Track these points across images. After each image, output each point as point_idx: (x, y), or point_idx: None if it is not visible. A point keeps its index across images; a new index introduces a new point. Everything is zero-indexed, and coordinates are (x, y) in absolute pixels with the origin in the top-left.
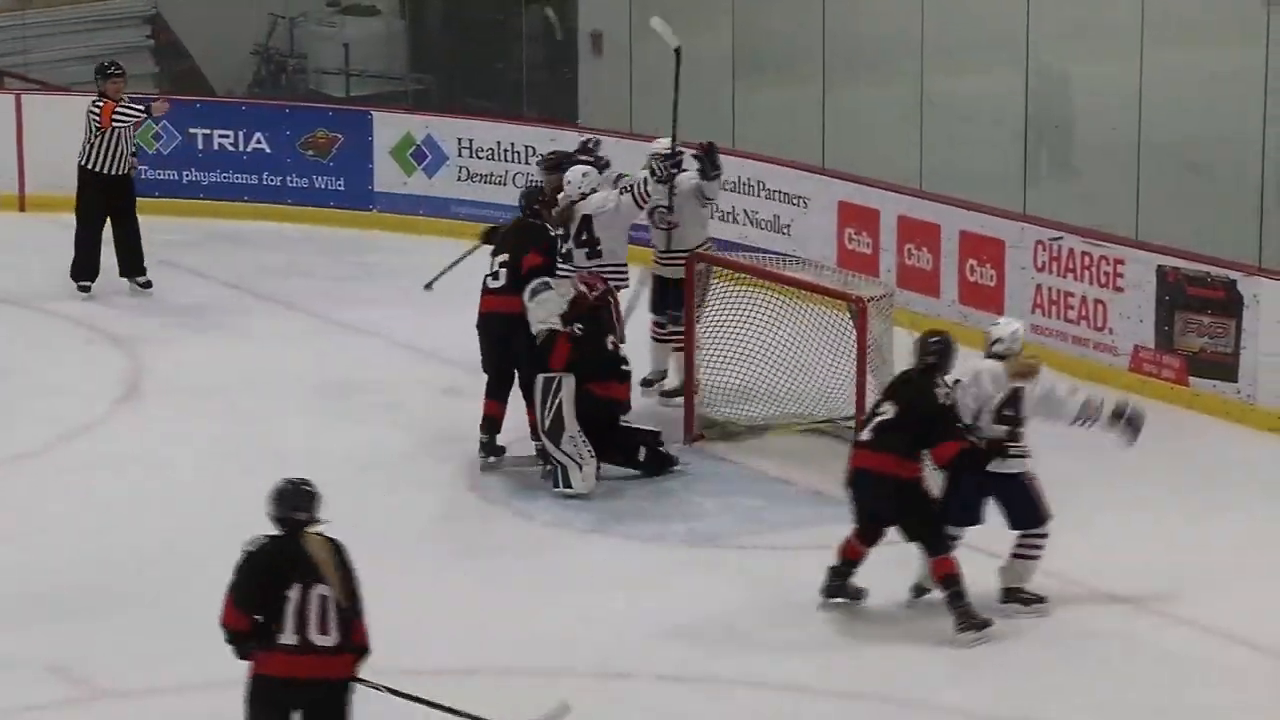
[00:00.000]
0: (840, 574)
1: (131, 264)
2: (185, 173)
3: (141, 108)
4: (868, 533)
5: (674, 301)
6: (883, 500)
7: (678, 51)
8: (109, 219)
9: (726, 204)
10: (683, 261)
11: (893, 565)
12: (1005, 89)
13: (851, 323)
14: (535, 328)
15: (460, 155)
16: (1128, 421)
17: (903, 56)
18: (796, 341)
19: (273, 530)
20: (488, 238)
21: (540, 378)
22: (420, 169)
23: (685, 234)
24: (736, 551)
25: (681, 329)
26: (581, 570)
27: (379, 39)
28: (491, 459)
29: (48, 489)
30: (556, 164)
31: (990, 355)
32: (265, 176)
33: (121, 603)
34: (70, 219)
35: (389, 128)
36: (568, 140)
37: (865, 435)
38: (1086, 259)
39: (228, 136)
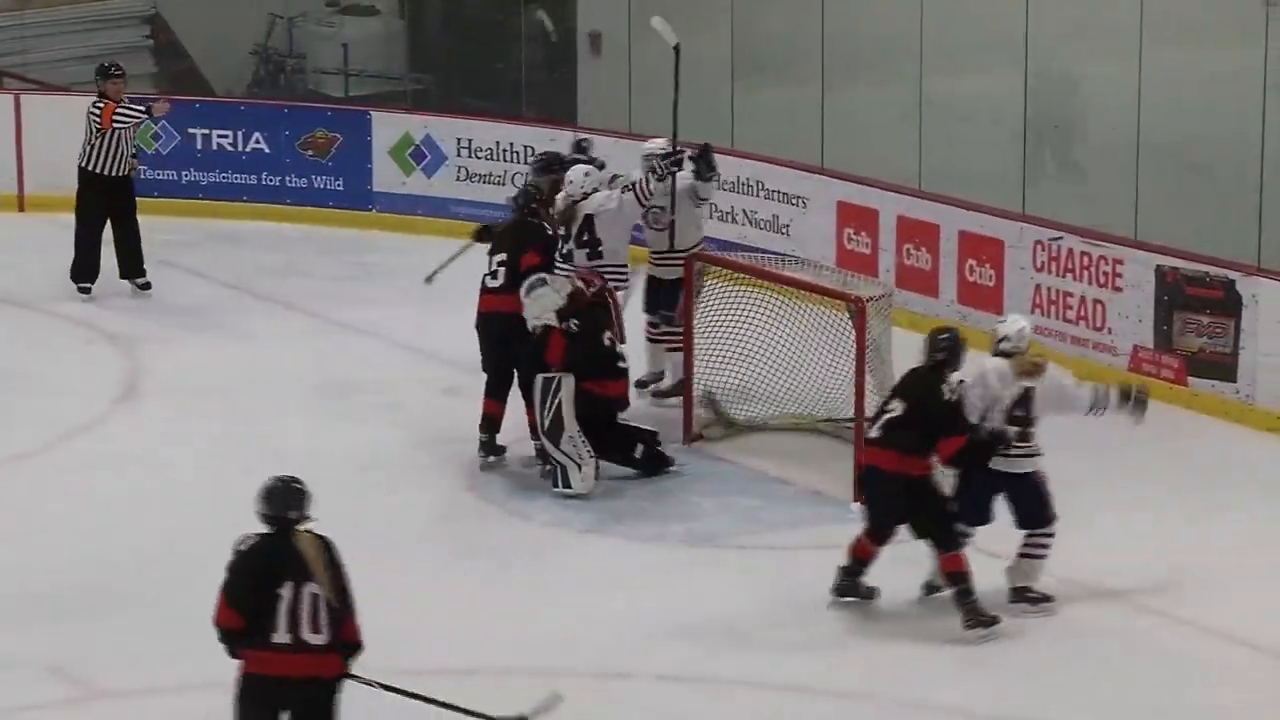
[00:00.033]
0: (851, 573)
1: (132, 266)
2: (184, 173)
3: (142, 109)
4: (879, 531)
5: (666, 301)
6: (892, 498)
7: (677, 49)
8: (109, 220)
9: (725, 204)
10: (677, 262)
11: (892, 565)
12: (1004, 89)
13: (850, 323)
14: (530, 323)
15: (459, 155)
16: (1136, 401)
17: (902, 56)
18: (796, 341)
19: (263, 529)
20: (479, 236)
21: (540, 378)
22: (419, 169)
23: (680, 234)
24: (736, 551)
25: (674, 329)
26: (581, 570)
27: (378, 39)
28: (491, 458)
29: (48, 489)
30: (548, 165)
31: (997, 353)
32: (264, 176)
33: (121, 603)
34: (69, 219)
35: (388, 128)
36: (567, 141)
37: (875, 433)
38: (1085, 259)
39: (226, 136)
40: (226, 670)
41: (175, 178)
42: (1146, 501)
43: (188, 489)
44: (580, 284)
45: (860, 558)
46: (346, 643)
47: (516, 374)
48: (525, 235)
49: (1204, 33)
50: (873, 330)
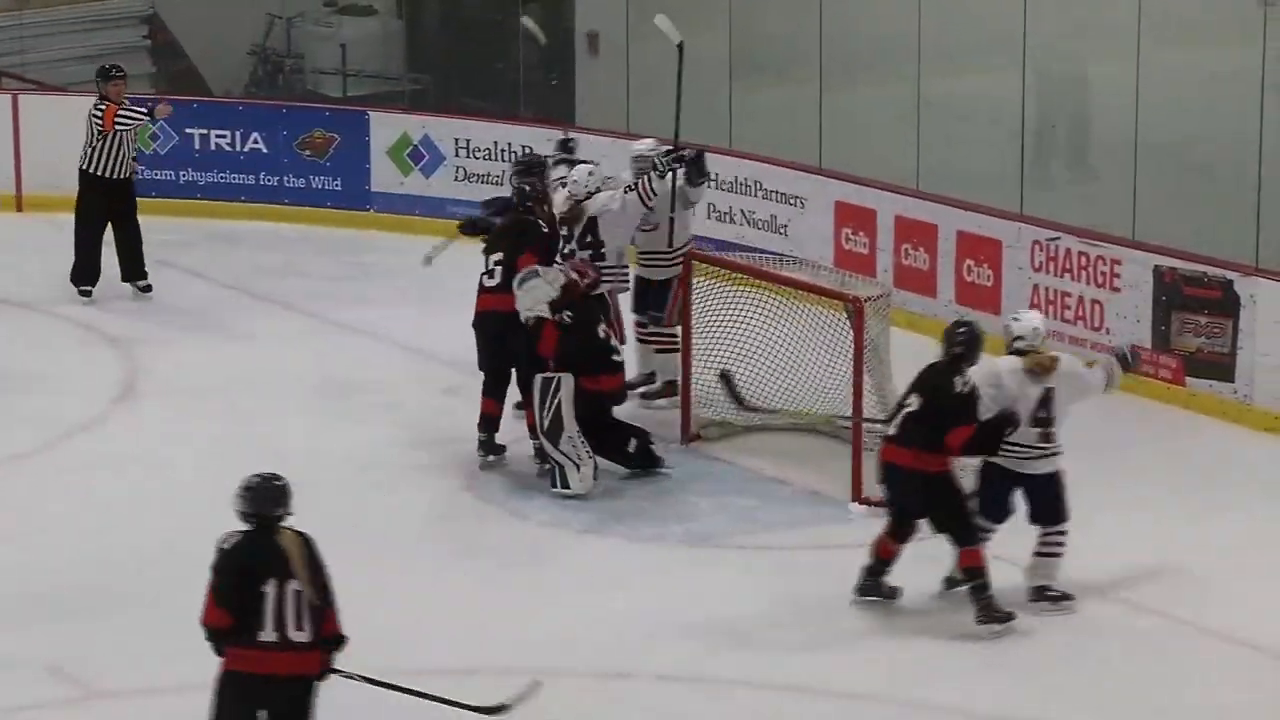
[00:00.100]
0: (874, 573)
1: (132, 268)
2: (182, 173)
3: (144, 110)
4: (900, 529)
5: (655, 302)
6: (911, 495)
7: (681, 47)
8: (110, 223)
9: (724, 204)
10: (665, 262)
11: (893, 565)
12: (1003, 89)
13: (848, 323)
14: (523, 315)
15: (457, 155)
16: (1133, 359)
17: (900, 57)
18: (793, 342)
19: (243, 526)
20: (464, 229)
21: (539, 378)
22: (417, 169)
23: (670, 235)
24: (735, 551)
25: (662, 330)
26: (580, 570)
27: (376, 39)
28: (490, 458)
29: (48, 489)
30: (529, 167)
31: (1011, 351)
32: (262, 176)
33: (121, 603)
34: (68, 219)
35: (386, 128)
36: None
37: (892, 429)
38: (1084, 259)
39: (225, 136)
40: None
41: (173, 178)
42: (1146, 501)
43: (188, 489)
44: (574, 276)
45: (883, 557)
46: (328, 638)
47: (515, 373)
48: (522, 235)
49: (1203, 33)
50: (871, 330)
